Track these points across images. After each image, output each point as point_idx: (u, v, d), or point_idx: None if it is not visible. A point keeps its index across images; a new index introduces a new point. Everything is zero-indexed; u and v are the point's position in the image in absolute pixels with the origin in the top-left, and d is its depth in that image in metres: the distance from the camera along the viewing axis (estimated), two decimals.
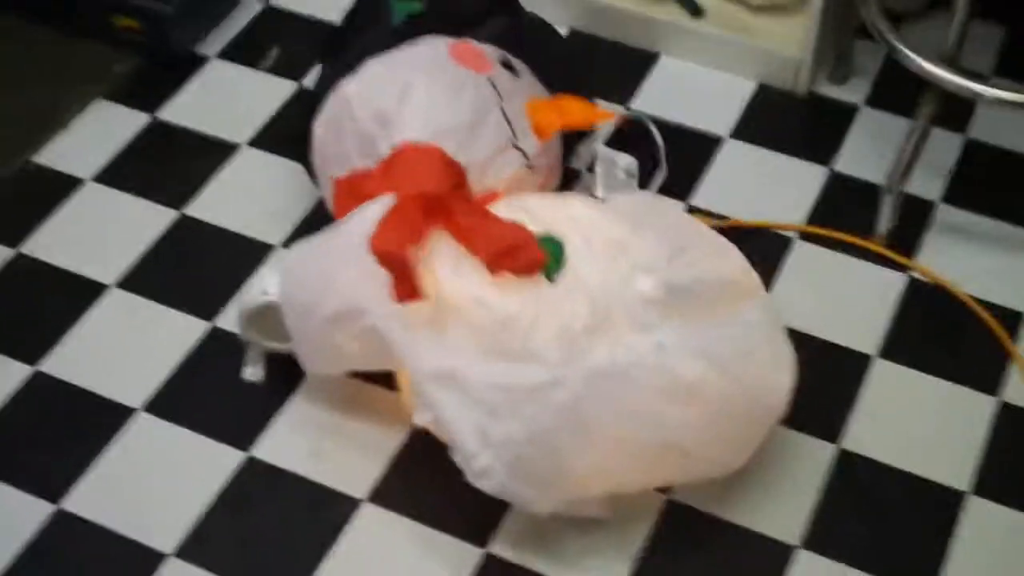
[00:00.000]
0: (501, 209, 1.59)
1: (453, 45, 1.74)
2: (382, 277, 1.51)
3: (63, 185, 1.98)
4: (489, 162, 1.66)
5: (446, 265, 1.52)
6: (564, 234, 1.54)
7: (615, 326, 1.48)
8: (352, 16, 1.86)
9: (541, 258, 1.51)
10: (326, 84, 1.74)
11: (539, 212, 1.58)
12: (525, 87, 1.75)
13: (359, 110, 1.68)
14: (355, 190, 1.61)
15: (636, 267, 1.52)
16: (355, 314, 1.53)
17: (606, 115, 1.83)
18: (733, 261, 1.60)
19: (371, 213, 1.54)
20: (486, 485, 1.49)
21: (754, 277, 1.61)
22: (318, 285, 1.57)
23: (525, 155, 1.69)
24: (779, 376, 1.56)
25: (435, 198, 1.54)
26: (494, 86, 1.69)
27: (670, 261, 1.53)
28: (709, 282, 1.54)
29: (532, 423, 1.45)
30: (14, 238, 1.91)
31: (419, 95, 1.66)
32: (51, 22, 2.19)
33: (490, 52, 1.76)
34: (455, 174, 1.60)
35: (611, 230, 1.55)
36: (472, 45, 1.75)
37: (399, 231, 1.51)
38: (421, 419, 1.53)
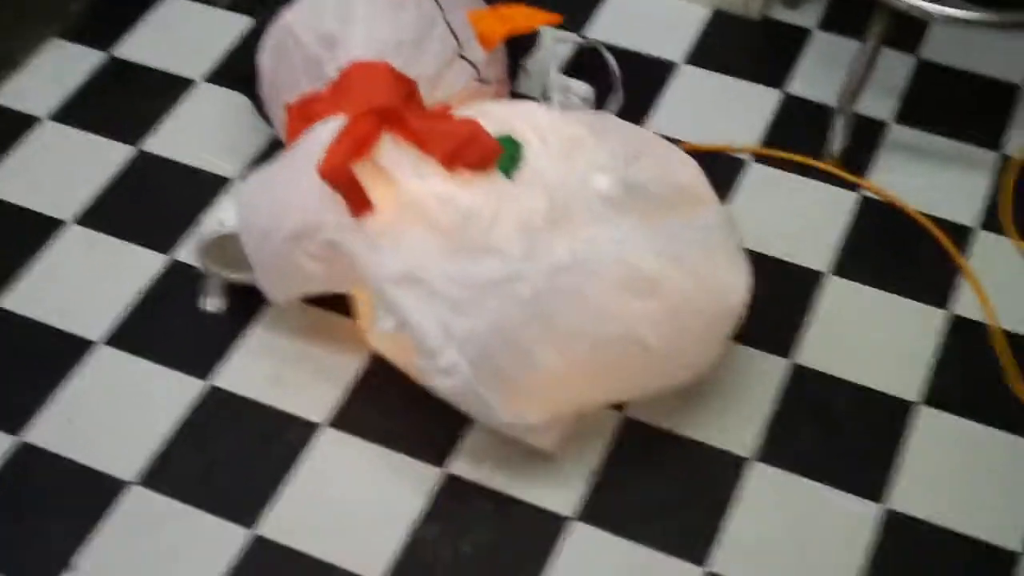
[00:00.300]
0: (458, 114, 1.59)
1: None
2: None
3: (20, 124, 1.98)
4: (439, 76, 1.66)
5: (406, 169, 1.52)
6: (522, 134, 1.55)
7: (573, 222, 1.50)
8: None
9: (494, 148, 1.51)
10: (266, 17, 1.75)
11: (496, 114, 1.58)
12: (464, 0, 1.76)
13: (303, 35, 1.68)
14: (307, 113, 1.62)
15: (593, 166, 1.53)
16: (313, 230, 1.54)
17: (550, 17, 1.80)
18: (689, 170, 1.62)
19: (323, 133, 1.55)
20: (450, 385, 1.50)
21: (709, 187, 1.62)
22: (275, 209, 1.58)
23: (474, 66, 1.70)
24: (736, 278, 1.57)
25: (387, 111, 1.54)
26: None
27: (627, 164, 1.55)
28: (666, 184, 1.56)
29: (495, 317, 1.46)
30: None
31: (361, 14, 1.67)
32: None
33: None
34: (406, 87, 1.60)
35: (568, 130, 1.57)
36: None
37: (346, 151, 1.51)
38: (384, 327, 1.54)
